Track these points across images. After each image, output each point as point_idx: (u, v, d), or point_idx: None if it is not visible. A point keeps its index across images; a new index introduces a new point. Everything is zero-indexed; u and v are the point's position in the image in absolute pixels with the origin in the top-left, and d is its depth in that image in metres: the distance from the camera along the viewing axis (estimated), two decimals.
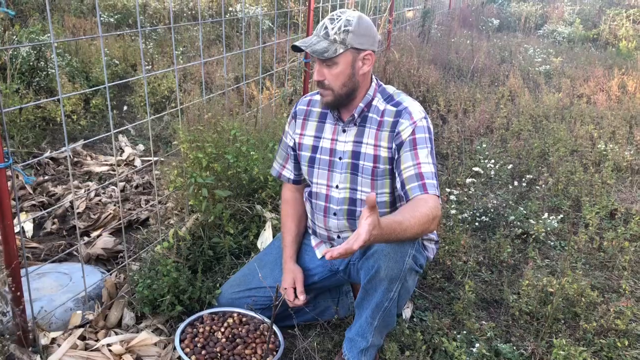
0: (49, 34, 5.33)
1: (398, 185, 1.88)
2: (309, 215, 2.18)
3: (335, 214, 2.03)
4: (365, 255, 1.83)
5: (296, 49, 1.88)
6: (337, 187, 2.01)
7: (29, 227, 2.99)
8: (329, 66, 1.84)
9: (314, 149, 2.04)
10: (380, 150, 1.92)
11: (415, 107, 1.92)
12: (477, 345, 2.06)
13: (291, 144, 2.13)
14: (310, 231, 2.21)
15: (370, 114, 1.95)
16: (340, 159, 1.99)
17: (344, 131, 1.99)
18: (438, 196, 1.80)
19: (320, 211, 2.07)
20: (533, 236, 3.02)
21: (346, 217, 2.02)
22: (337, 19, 1.83)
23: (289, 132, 2.14)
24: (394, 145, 1.90)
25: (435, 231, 2.17)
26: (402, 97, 1.97)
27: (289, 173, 2.19)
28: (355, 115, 1.94)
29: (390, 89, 2.01)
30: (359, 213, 1.99)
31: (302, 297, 2.03)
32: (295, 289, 2.05)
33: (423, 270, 1.96)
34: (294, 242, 2.15)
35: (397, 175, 1.89)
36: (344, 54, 1.83)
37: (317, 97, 2.09)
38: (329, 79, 1.86)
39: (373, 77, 1.97)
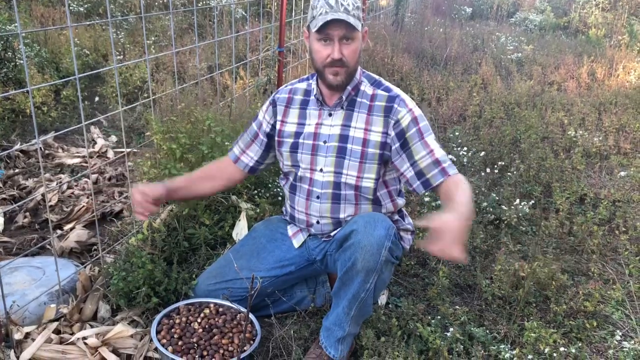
0: (16, 24, 5.21)
1: (409, 175, 1.92)
2: (287, 200, 2.18)
3: (318, 197, 2.03)
4: (342, 247, 1.85)
5: (324, 25, 1.80)
6: (321, 170, 2.01)
7: None
8: (347, 43, 1.85)
9: (297, 135, 2.04)
10: (370, 134, 1.94)
11: (406, 96, 1.98)
12: (451, 329, 2.10)
13: (268, 130, 2.12)
14: (287, 217, 2.21)
15: (358, 99, 1.97)
16: (325, 142, 1.99)
17: (330, 115, 2.00)
18: (457, 172, 1.89)
19: (303, 194, 2.07)
20: (505, 222, 3.08)
21: (330, 200, 2.02)
22: None
23: (265, 119, 2.13)
24: (392, 133, 1.93)
25: (411, 221, 2.20)
26: (389, 85, 2.01)
27: (248, 159, 2.17)
28: (343, 98, 1.96)
29: (375, 75, 2.05)
30: (343, 196, 2.01)
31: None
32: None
33: (399, 260, 1.99)
34: (183, 180, 2.14)
35: (408, 167, 1.92)
36: (360, 30, 1.86)
37: (299, 85, 2.10)
38: (347, 55, 1.86)
39: None
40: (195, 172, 2.20)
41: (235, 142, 2.23)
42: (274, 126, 2.11)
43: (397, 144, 1.92)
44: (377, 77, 2.04)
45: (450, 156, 3.86)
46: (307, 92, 2.07)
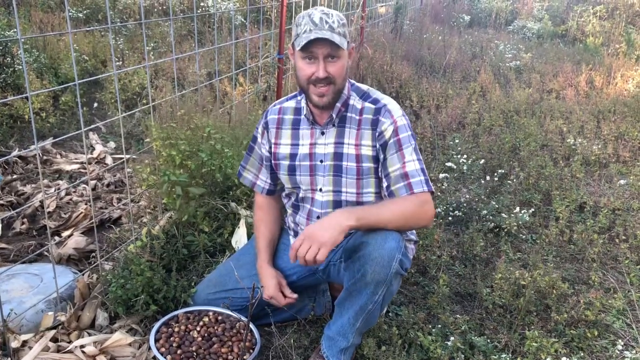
0: (15, 30, 5.21)
1: (384, 186, 1.90)
2: (290, 216, 2.17)
3: (318, 217, 2.01)
4: (352, 258, 1.82)
5: (309, 43, 1.77)
6: (320, 190, 2.00)
7: None
8: (332, 61, 1.81)
9: (292, 156, 2.01)
10: (362, 149, 1.92)
11: (393, 105, 1.94)
12: (452, 338, 2.09)
13: (267, 154, 2.10)
14: (291, 233, 2.19)
15: (348, 114, 1.94)
16: (321, 161, 1.97)
17: (322, 134, 1.97)
18: (427, 191, 1.84)
19: (304, 214, 2.06)
20: (505, 230, 3.07)
21: None
22: (328, 13, 1.80)
23: (263, 142, 2.09)
24: (377, 145, 1.90)
25: (414, 231, 2.18)
26: (378, 95, 1.97)
27: (263, 183, 2.16)
28: (334, 116, 1.93)
29: (363, 86, 2.01)
30: None
31: (293, 296, 2.03)
32: (282, 292, 2.04)
33: (407, 272, 1.98)
34: (269, 247, 2.13)
35: (384, 178, 1.90)
36: (345, 48, 1.83)
37: (288, 104, 2.06)
38: (333, 72, 1.82)
39: None
40: (261, 229, 2.16)
41: (242, 168, 2.19)
42: (270, 150, 2.08)
43: (382, 156, 1.91)
44: (365, 88, 2.00)
45: (449, 164, 3.89)
46: (297, 111, 2.03)
